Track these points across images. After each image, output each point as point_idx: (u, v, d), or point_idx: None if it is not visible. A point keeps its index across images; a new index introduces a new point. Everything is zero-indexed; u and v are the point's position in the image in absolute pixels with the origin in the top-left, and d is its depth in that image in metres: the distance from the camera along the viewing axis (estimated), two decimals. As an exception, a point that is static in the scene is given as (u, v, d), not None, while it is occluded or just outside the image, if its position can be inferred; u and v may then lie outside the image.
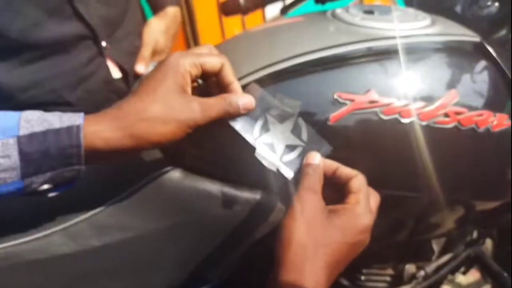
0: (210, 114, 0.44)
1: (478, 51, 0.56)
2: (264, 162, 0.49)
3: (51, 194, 0.44)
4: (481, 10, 0.66)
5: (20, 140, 0.39)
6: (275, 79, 0.51)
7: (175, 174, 0.54)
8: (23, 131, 0.39)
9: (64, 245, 0.51)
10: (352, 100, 0.49)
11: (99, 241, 0.52)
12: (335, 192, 0.47)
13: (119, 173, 0.57)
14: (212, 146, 0.55)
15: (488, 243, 0.88)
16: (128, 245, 0.53)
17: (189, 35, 1.78)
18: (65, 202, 0.54)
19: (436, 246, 0.78)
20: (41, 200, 0.55)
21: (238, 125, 0.48)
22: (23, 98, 0.75)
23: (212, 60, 0.46)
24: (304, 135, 0.49)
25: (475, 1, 0.67)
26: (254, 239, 0.57)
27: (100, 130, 0.41)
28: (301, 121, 0.49)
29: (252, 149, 0.49)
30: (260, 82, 0.50)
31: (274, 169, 0.49)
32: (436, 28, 0.57)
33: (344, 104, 0.49)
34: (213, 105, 0.45)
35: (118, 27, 0.85)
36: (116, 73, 0.87)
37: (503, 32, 0.65)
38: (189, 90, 0.46)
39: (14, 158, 0.39)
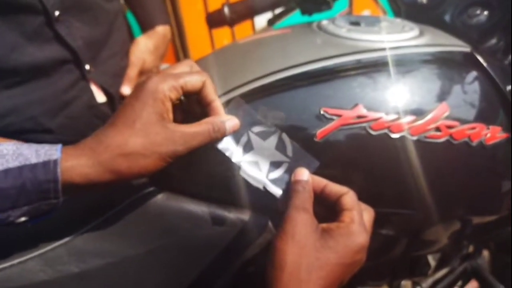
0: (193, 144, 0.43)
1: (468, 61, 0.54)
2: (251, 181, 0.47)
3: (29, 225, 0.42)
4: (471, 19, 0.65)
5: None
6: (261, 94, 0.50)
7: (158, 196, 0.52)
8: None
9: (40, 272, 0.49)
10: (339, 116, 0.47)
11: (78, 267, 0.50)
12: (324, 210, 0.45)
13: (100, 195, 0.55)
14: (196, 166, 0.53)
15: (485, 254, 0.86)
16: (108, 272, 0.51)
17: (178, 46, 1.77)
18: (42, 226, 0.51)
19: (432, 261, 0.76)
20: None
21: (222, 145, 0.47)
22: (0, 126, 0.70)
23: (193, 79, 0.43)
24: (289, 151, 0.47)
25: (464, 10, 0.65)
26: (243, 260, 0.55)
27: (78, 164, 0.40)
28: (285, 137, 0.47)
29: (237, 168, 0.47)
30: (246, 96, 0.48)
31: (261, 187, 0.48)
32: (424, 39, 0.55)
33: (331, 119, 0.47)
34: (196, 134, 0.43)
35: (103, 48, 0.82)
36: (100, 97, 0.83)
37: (493, 41, 0.64)
38: (170, 116, 0.43)
39: None
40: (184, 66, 0.47)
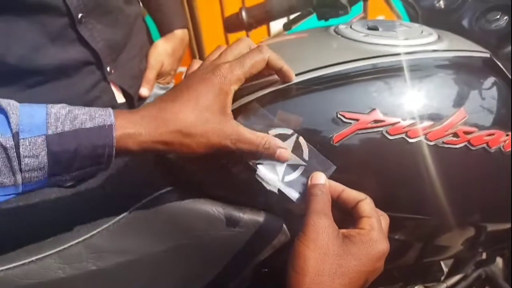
0: (242, 148, 0.44)
1: (487, 67, 0.54)
2: (265, 184, 0.48)
3: (69, 184, 0.43)
4: (490, 24, 0.64)
5: (49, 139, 0.37)
6: (278, 98, 0.50)
7: (174, 196, 0.53)
8: (52, 130, 0.38)
9: (58, 269, 0.50)
10: (356, 120, 0.47)
11: (95, 265, 0.51)
12: (341, 215, 0.45)
13: (116, 194, 0.56)
14: (212, 166, 0.53)
15: (499, 262, 0.85)
16: (125, 269, 0.52)
17: (195, 49, 1.79)
18: (60, 223, 0.53)
19: (445, 267, 0.75)
20: (33, 221, 0.54)
21: None
22: None
23: (257, 62, 0.45)
24: (306, 154, 0.47)
25: (483, 15, 0.65)
26: (257, 262, 0.55)
27: (136, 133, 0.41)
28: (302, 140, 0.47)
29: (253, 170, 0.47)
30: (263, 100, 0.49)
31: (275, 190, 0.48)
32: (443, 44, 0.55)
33: (348, 123, 0.47)
34: (249, 140, 0.44)
35: (122, 51, 0.83)
36: (119, 98, 0.84)
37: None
38: (229, 110, 0.44)
39: (42, 158, 0.37)
40: (242, 45, 0.48)
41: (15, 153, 0.36)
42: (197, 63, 0.49)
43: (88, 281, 0.50)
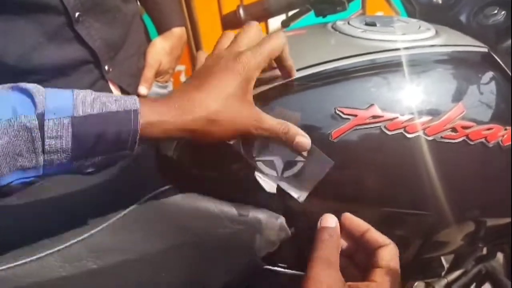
0: (263, 133, 0.44)
1: (485, 62, 0.54)
2: (264, 185, 0.48)
3: (89, 170, 0.42)
4: (487, 19, 0.64)
5: (74, 121, 0.37)
6: (277, 94, 0.50)
7: (174, 194, 0.53)
8: (78, 112, 0.37)
9: (59, 268, 0.50)
10: (354, 115, 0.47)
11: (96, 264, 0.51)
12: (361, 255, 0.44)
13: (116, 192, 0.56)
14: (212, 164, 0.53)
15: (499, 257, 0.85)
16: (125, 268, 0.52)
17: (193, 47, 1.78)
18: (60, 222, 0.53)
19: (445, 262, 0.75)
20: (34, 220, 0.54)
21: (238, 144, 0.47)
22: None
23: (276, 48, 0.45)
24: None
25: (480, 10, 0.65)
26: (257, 259, 0.55)
27: (161, 121, 0.40)
28: None
29: (253, 168, 0.48)
30: (261, 96, 0.49)
31: (273, 191, 0.49)
32: (440, 39, 0.55)
33: (347, 119, 0.47)
34: (272, 127, 0.44)
35: (120, 49, 0.84)
36: None
37: (509, 41, 0.64)
38: (251, 97, 0.45)
39: (67, 140, 0.37)
40: (255, 32, 0.48)
41: (38, 133, 0.36)
42: (203, 55, 0.49)
43: (88, 279, 0.50)
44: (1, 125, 0.35)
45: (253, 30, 0.48)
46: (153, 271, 0.53)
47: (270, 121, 0.45)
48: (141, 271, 0.52)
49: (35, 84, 0.39)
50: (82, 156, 0.38)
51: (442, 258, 0.75)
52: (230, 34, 0.49)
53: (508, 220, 0.61)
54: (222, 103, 0.42)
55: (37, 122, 0.36)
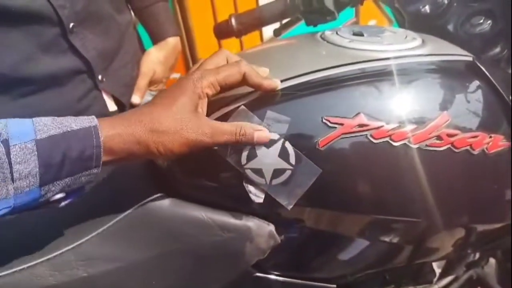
0: (219, 140, 0.45)
1: (470, 70, 0.55)
2: (251, 195, 0.49)
3: (63, 204, 0.43)
4: (474, 28, 0.66)
5: (38, 143, 0.38)
6: (265, 103, 0.50)
7: (164, 202, 0.53)
8: (41, 135, 0.38)
9: (49, 277, 0.50)
10: (341, 124, 0.48)
11: (86, 272, 0.51)
12: None
13: (106, 201, 0.56)
14: (202, 173, 0.54)
15: (492, 263, 0.86)
16: (116, 276, 0.52)
17: (188, 56, 1.80)
18: (50, 231, 0.53)
19: (437, 268, 0.76)
20: (23, 230, 0.54)
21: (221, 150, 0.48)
22: None
23: (232, 75, 0.47)
24: (292, 159, 0.48)
25: (467, 20, 0.66)
26: (247, 266, 0.56)
27: (116, 134, 0.42)
28: (288, 145, 0.48)
29: (242, 176, 0.48)
30: (251, 105, 0.49)
31: (260, 201, 0.49)
32: (426, 48, 0.56)
33: (333, 128, 0.48)
34: (225, 131, 0.46)
35: (114, 59, 0.84)
36: (111, 106, 0.85)
37: (496, 50, 0.65)
38: (204, 110, 0.47)
39: (34, 163, 0.37)
40: (220, 57, 0.50)
41: (6, 160, 0.36)
42: None
43: (78, 287, 0.51)
44: None
45: (219, 56, 0.50)
46: (143, 279, 0.53)
47: (223, 126, 0.46)
48: (131, 279, 0.53)
49: None
50: (50, 179, 0.39)
51: (434, 265, 0.76)
52: (202, 60, 0.52)
53: (496, 225, 0.62)
54: (171, 115, 0.44)
55: (3, 149, 0.36)
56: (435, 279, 0.74)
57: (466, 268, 0.77)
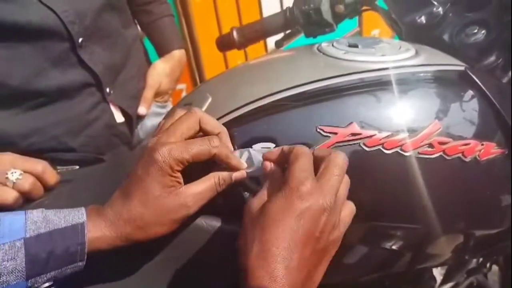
0: (203, 201, 0.46)
1: (463, 79, 0.56)
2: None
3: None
4: (468, 38, 0.67)
5: (27, 242, 0.40)
6: (261, 114, 0.52)
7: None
8: (30, 233, 0.40)
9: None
10: (334, 133, 0.49)
11: (83, 279, 0.51)
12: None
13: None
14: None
15: (495, 270, 0.86)
16: (116, 283, 0.52)
17: (194, 67, 1.83)
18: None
19: (438, 275, 0.76)
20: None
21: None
22: (23, 145, 0.73)
23: (202, 153, 0.45)
24: None
25: (462, 30, 0.67)
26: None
27: (104, 236, 0.44)
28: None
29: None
30: (244, 117, 0.51)
31: None
32: (420, 59, 0.57)
33: (327, 137, 0.49)
34: (205, 191, 0.46)
35: (121, 72, 0.87)
36: (119, 117, 0.87)
37: (492, 59, 0.66)
38: (180, 180, 0.45)
39: (20, 260, 0.39)
40: (191, 122, 0.47)
41: None
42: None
43: None
44: None
45: (189, 120, 0.47)
46: (143, 285, 0.54)
47: (201, 188, 0.46)
48: (131, 285, 0.54)
49: None
50: (36, 273, 0.41)
51: (435, 271, 0.76)
52: (177, 112, 0.49)
53: (494, 231, 0.62)
54: (148, 206, 0.44)
55: None
56: (435, 285, 0.75)
57: (467, 275, 0.77)
